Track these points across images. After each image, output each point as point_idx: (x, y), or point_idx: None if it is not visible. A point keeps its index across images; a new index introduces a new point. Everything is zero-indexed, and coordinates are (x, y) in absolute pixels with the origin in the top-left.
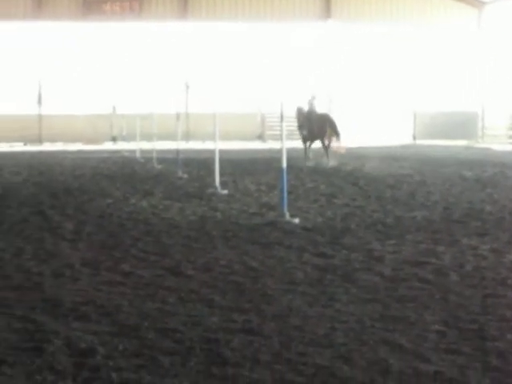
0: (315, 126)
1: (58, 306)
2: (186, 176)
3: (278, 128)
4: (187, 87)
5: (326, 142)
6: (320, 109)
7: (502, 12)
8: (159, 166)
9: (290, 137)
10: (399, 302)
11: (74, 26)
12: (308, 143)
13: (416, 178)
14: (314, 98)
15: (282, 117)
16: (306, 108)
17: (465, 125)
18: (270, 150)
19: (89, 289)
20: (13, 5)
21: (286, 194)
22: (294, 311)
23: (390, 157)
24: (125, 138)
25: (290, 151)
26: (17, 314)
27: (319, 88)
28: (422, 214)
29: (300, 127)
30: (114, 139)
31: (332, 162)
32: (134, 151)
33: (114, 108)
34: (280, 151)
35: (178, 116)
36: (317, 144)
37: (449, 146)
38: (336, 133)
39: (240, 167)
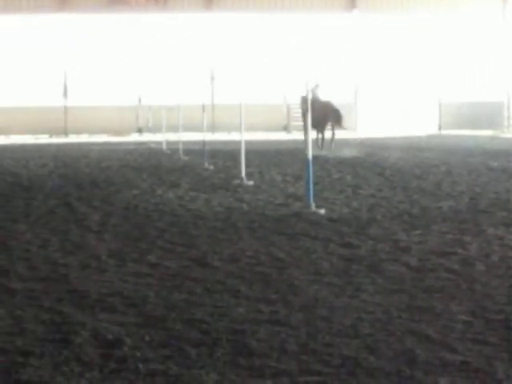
0: (317, 114)
1: (84, 298)
2: (212, 167)
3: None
4: (212, 78)
5: (330, 131)
6: (323, 97)
7: None
8: (185, 158)
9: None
10: (426, 293)
11: (98, 17)
12: (315, 132)
13: (442, 168)
14: (317, 86)
15: (307, 108)
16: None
17: (491, 115)
18: (295, 141)
19: (115, 280)
20: None
21: (311, 185)
22: (320, 302)
23: (416, 147)
24: (151, 130)
25: (315, 142)
26: (44, 306)
27: (345, 78)
28: (448, 204)
29: (304, 115)
30: (139, 131)
31: (342, 152)
32: (160, 143)
33: (139, 99)
34: (305, 142)
35: (203, 107)
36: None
37: (475, 136)
38: (339, 121)
39: (266, 158)
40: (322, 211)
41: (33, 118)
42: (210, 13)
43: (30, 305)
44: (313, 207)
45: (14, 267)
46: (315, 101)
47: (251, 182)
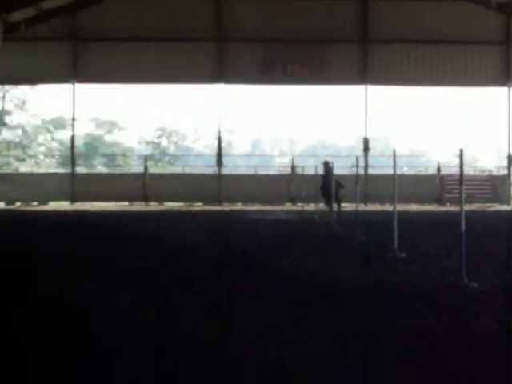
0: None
1: None
2: (364, 238)
3: (457, 191)
4: (367, 149)
5: None
6: None
7: None
8: (338, 228)
9: (468, 200)
10: None
11: (254, 88)
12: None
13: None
14: None
15: (461, 180)
16: None
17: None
18: (448, 213)
19: None
20: (196, 67)
21: (464, 258)
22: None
23: None
24: (304, 199)
25: (468, 214)
26: None
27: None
28: None
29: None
30: (292, 200)
31: None
32: (312, 212)
33: (293, 168)
34: (459, 214)
35: (357, 178)
36: None
37: None
38: None
39: (419, 230)
40: (475, 284)
41: (187, 186)
42: (366, 84)
43: None
44: (465, 280)
45: None
46: None
47: (404, 254)
